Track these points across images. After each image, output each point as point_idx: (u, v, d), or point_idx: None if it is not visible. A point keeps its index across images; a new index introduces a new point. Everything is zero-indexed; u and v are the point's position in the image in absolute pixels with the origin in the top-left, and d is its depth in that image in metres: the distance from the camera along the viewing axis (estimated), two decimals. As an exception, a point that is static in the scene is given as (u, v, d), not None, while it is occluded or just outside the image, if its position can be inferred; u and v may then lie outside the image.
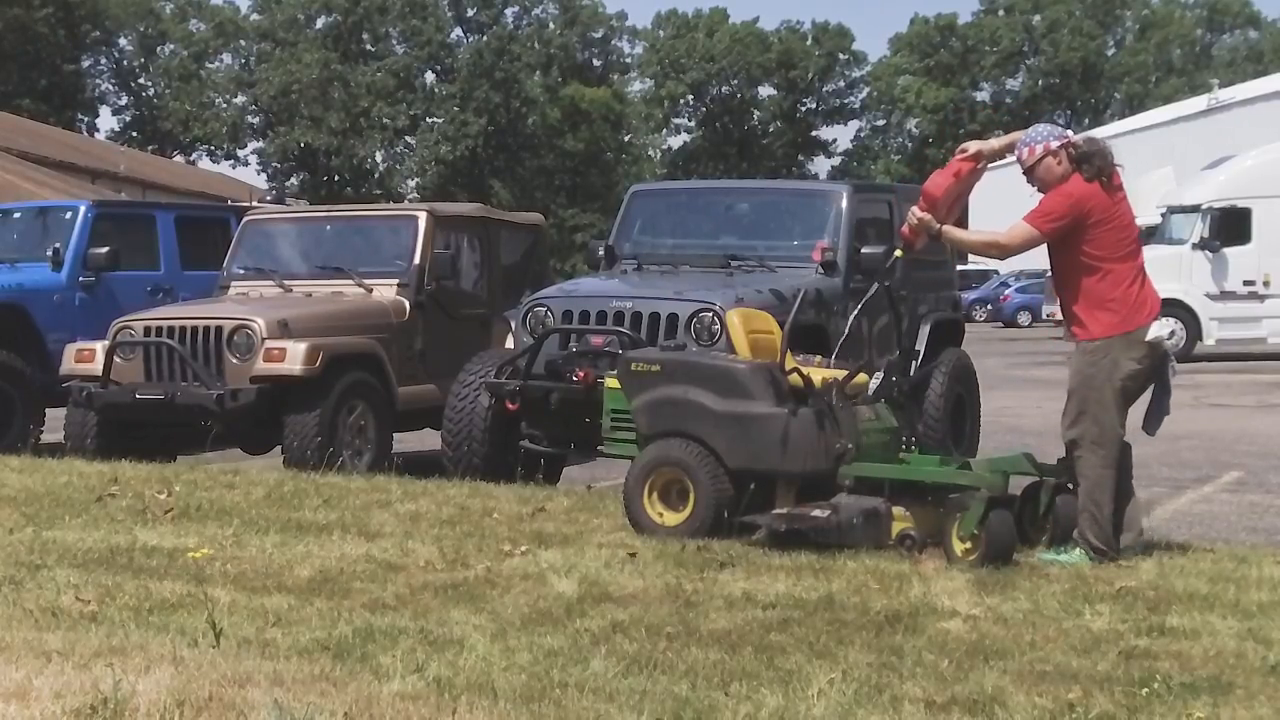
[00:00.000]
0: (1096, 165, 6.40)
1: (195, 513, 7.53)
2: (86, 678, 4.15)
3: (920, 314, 10.57)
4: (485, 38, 74.46)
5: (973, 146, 6.91)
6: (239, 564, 6.17)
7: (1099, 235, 6.36)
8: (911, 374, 9.87)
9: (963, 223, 7.09)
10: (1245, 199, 23.04)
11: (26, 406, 11.35)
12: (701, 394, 6.88)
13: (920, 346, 10.32)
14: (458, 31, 76.98)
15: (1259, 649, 4.86)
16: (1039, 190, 6.56)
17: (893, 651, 4.77)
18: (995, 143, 6.94)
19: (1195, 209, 23.44)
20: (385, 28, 74.65)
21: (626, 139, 78.89)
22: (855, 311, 7.83)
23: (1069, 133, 6.64)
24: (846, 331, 7.83)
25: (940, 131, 78.91)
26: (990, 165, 7.01)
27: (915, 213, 6.78)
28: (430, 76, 75.58)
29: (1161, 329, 6.45)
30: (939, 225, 6.71)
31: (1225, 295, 22.89)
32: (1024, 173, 6.57)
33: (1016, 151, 6.58)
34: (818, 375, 7.01)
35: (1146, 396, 6.64)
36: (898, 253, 7.34)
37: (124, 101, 77.15)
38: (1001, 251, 6.86)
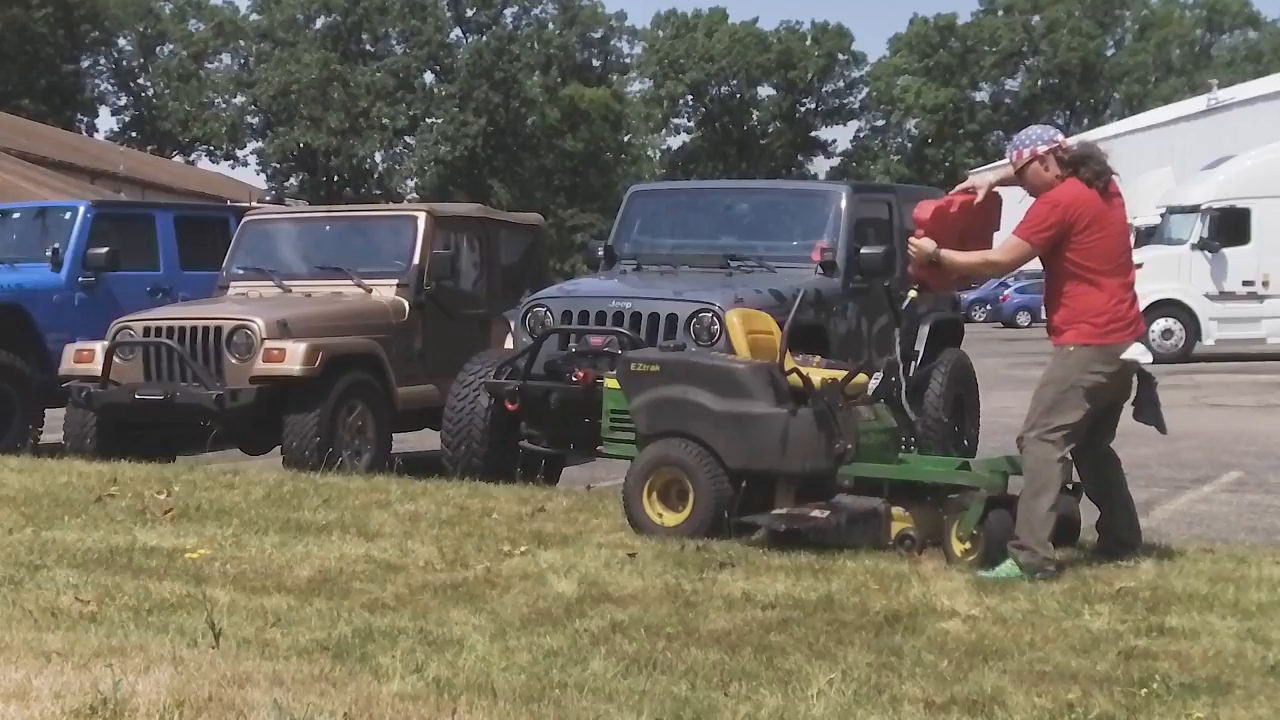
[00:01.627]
0: (1093, 169, 6.23)
1: (195, 513, 7.53)
2: (86, 678, 4.15)
3: (920, 314, 10.56)
4: (484, 38, 74.45)
5: (963, 187, 6.80)
6: (238, 564, 6.17)
7: (1086, 243, 6.16)
8: (911, 374, 9.90)
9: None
10: (1244, 199, 23.04)
11: (26, 406, 11.35)
12: (701, 394, 6.88)
13: (920, 347, 10.32)
14: (457, 32, 77.00)
15: (1258, 649, 4.87)
16: (1029, 194, 6.41)
17: (892, 652, 4.78)
18: (992, 176, 6.78)
19: (1195, 209, 23.45)
20: (385, 28, 74.65)
21: (626, 139, 78.90)
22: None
23: (1059, 136, 6.42)
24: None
25: (940, 132, 78.95)
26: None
27: (912, 241, 6.63)
28: (429, 77, 75.59)
29: (1139, 353, 6.19)
30: (935, 248, 6.49)
31: (1224, 295, 22.90)
32: (1015, 175, 6.45)
33: (1007, 154, 6.47)
34: (817, 375, 7.01)
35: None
36: (913, 293, 7.18)
37: (123, 101, 77.18)
38: (997, 269, 6.78)
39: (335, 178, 73.10)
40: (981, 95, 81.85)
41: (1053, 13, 78.08)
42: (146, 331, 10.17)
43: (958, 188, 6.86)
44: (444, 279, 10.82)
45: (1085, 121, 73.17)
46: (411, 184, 73.65)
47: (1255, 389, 17.94)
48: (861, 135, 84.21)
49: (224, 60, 76.67)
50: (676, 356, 7.30)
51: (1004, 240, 6.44)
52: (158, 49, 76.54)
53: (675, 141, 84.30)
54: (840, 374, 7.12)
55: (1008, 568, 5.99)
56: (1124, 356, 6.16)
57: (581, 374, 8.62)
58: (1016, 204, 6.55)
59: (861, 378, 7.32)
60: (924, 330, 10.44)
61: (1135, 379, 6.39)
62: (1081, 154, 6.28)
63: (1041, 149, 6.28)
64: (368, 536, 6.86)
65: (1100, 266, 6.17)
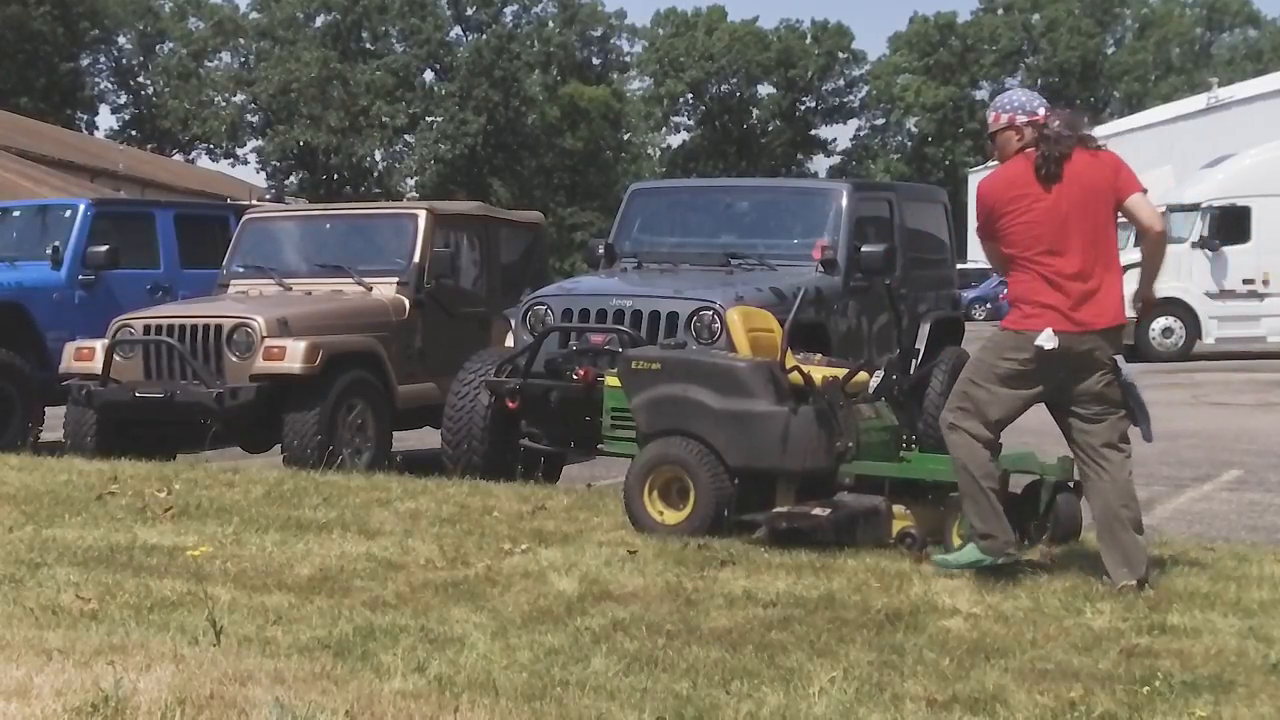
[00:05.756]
0: (1045, 150, 5.86)
1: (195, 511, 7.52)
2: (87, 676, 4.15)
3: (920, 312, 10.58)
4: (484, 36, 74.43)
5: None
6: (239, 562, 6.16)
7: (1007, 226, 5.91)
8: (911, 372, 9.91)
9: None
10: (1245, 197, 23.05)
11: (26, 405, 11.34)
12: (702, 392, 6.88)
13: (920, 345, 10.33)
14: (457, 30, 76.97)
15: (1260, 647, 4.86)
16: (997, 159, 6.15)
17: (894, 650, 4.77)
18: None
19: (1195, 207, 23.46)
20: (384, 26, 74.63)
21: (626, 138, 78.89)
22: None
23: (1041, 111, 6.04)
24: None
25: (940, 130, 78.95)
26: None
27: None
28: (429, 75, 75.59)
29: (1043, 339, 5.76)
30: None
31: (1225, 294, 22.92)
32: (989, 137, 6.18)
33: (988, 114, 6.17)
34: (818, 373, 7.01)
35: None
36: None
37: (123, 100, 77.15)
38: (999, 272, 6.37)
39: (335, 176, 73.06)
40: (981, 94, 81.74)
41: (1052, 11, 78.09)
42: (146, 330, 10.17)
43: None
44: (444, 277, 10.82)
45: (1085, 120, 73.08)
46: (411, 182, 73.59)
47: (1255, 387, 17.95)
48: (861, 134, 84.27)
49: (224, 59, 76.68)
50: (677, 354, 7.30)
51: None
52: (157, 47, 76.51)
53: (675, 140, 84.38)
54: (841, 372, 7.11)
55: (969, 552, 5.90)
56: (1036, 343, 5.80)
57: (582, 372, 8.62)
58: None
59: (862, 376, 7.31)
60: (924, 329, 10.45)
61: (1105, 374, 5.95)
62: (1050, 134, 5.93)
63: (1020, 119, 6.00)
64: (368, 534, 6.86)
65: (1020, 250, 5.88)
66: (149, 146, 68.80)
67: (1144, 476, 9.60)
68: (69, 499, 7.89)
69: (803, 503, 6.72)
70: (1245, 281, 22.90)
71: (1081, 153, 5.95)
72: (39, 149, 38.26)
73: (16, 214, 13.39)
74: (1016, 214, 5.90)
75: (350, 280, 10.75)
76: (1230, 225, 23.00)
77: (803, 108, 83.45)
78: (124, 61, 76.70)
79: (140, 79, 77.32)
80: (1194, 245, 23.04)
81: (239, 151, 75.99)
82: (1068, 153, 5.91)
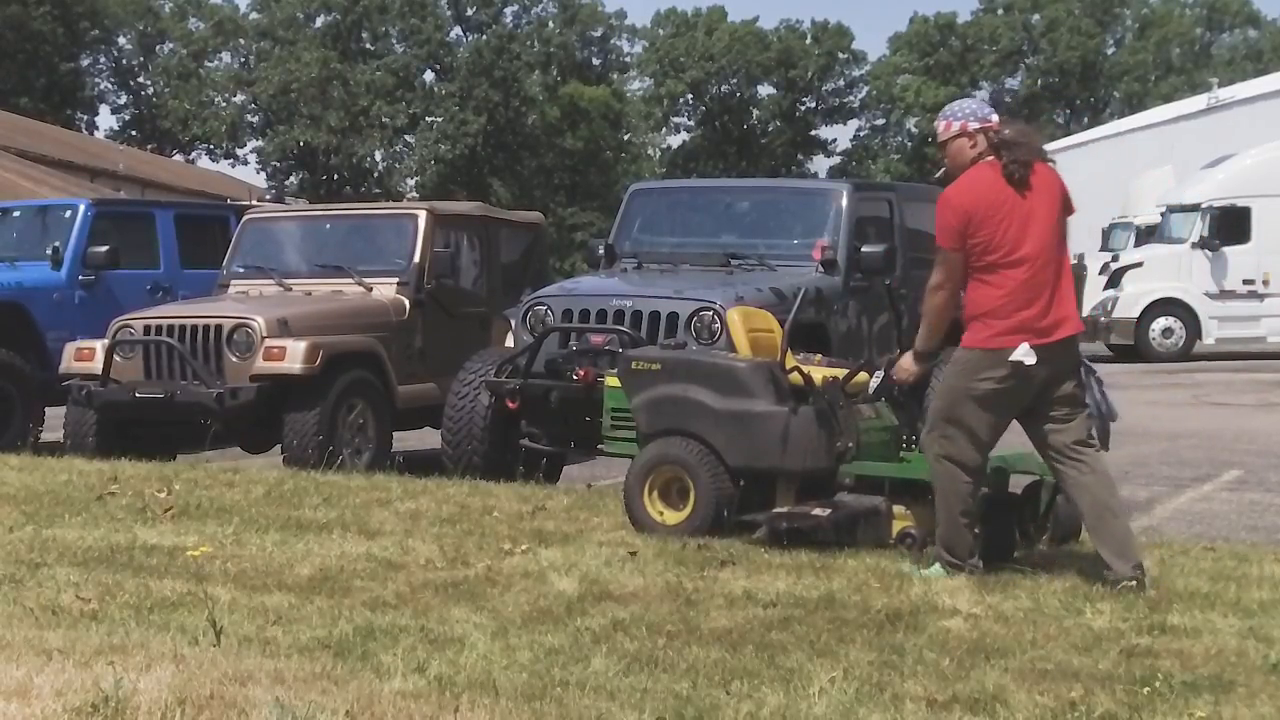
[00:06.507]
0: (1014, 156, 5.82)
1: (195, 511, 7.52)
2: (87, 676, 4.15)
3: (920, 313, 10.56)
4: (484, 36, 74.40)
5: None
6: (239, 562, 6.16)
7: (980, 236, 5.79)
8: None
9: None
10: (1245, 198, 23.07)
11: (26, 405, 11.35)
12: (702, 392, 6.88)
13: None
14: (457, 30, 76.95)
15: (1260, 647, 4.86)
16: (948, 169, 6.08)
17: (894, 650, 4.77)
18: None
19: (1195, 208, 23.47)
20: (384, 26, 74.58)
21: (626, 138, 78.85)
22: None
23: (994, 117, 6.03)
24: None
25: (940, 130, 78.85)
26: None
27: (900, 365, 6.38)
28: (429, 75, 75.56)
29: (1021, 354, 5.73)
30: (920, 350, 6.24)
31: (1225, 294, 22.94)
32: (938, 145, 6.14)
33: (937, 123, 6.11)
34: (818, 374, 7.01)
35: None
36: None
37: (123, 100, 77.11)
38: (940, 294, 6.14)
39: (335, 176, 73.02)
40: (982, 94, 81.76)
41: (1052, 11, 78.05)
42: (147, 330, 10.18)
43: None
44: (444, 277, 10.82)
45: (1085, 120, 73.16)
46: (411, 182, 73.54)
47: (1255, 388, 17.95)
48: (861, 134, 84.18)
49: (224, 59, 76.62)
50: (677, 355, 7.31)
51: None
52: (157, 47, 76.47)
53: (675, 140, 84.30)
54: (841, 372, 7.11)
55: (934, 571, 5.96)
56: (1012, 359, 5.77)
57: (582, 372, 8.63)
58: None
59: (863, 376, 7.31)
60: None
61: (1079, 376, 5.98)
62: (1009, 139, 5.89)
63: (973, 125, 5.96)
64: (368, 535, 6.86)
65: (995, 260, 5.81)
66: (149, 146, 68.74)
67: (1144, 476, 9.65)
68: (69, 499, 7.89)
69: (803, 503, 6.73)
70: (1245, 282, 22.92)
71: (1039, 163, 5.96)
72: (39, 149, 38.22)
73: (16, 214, 13.40)
74: (997, 219, 5.83)
75: (350, 280, 10.75)
76: (1230, 225, 23.01)
77: (803, 108, 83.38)
78: (124, 62, 76.66)
79: (140, 79, 77.27)
80: (1194, 245, 23.06)
81: (239, 152, 75.94)
82: (1032, 160, 5.90)
